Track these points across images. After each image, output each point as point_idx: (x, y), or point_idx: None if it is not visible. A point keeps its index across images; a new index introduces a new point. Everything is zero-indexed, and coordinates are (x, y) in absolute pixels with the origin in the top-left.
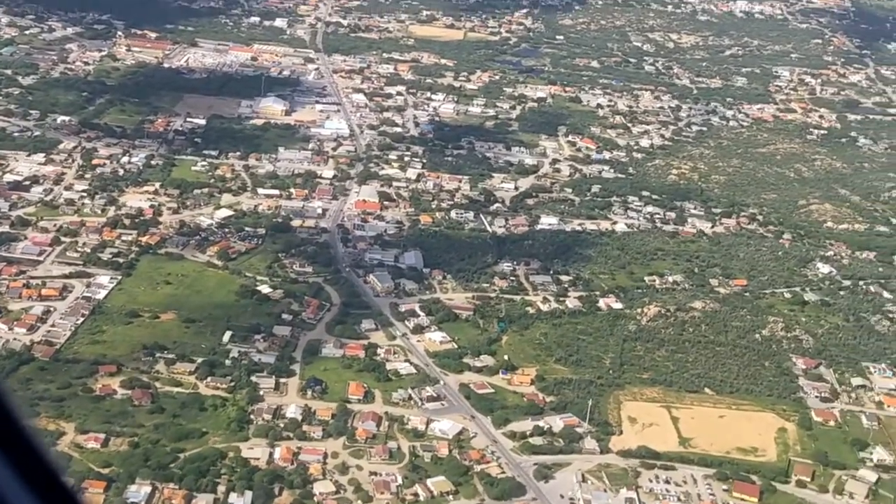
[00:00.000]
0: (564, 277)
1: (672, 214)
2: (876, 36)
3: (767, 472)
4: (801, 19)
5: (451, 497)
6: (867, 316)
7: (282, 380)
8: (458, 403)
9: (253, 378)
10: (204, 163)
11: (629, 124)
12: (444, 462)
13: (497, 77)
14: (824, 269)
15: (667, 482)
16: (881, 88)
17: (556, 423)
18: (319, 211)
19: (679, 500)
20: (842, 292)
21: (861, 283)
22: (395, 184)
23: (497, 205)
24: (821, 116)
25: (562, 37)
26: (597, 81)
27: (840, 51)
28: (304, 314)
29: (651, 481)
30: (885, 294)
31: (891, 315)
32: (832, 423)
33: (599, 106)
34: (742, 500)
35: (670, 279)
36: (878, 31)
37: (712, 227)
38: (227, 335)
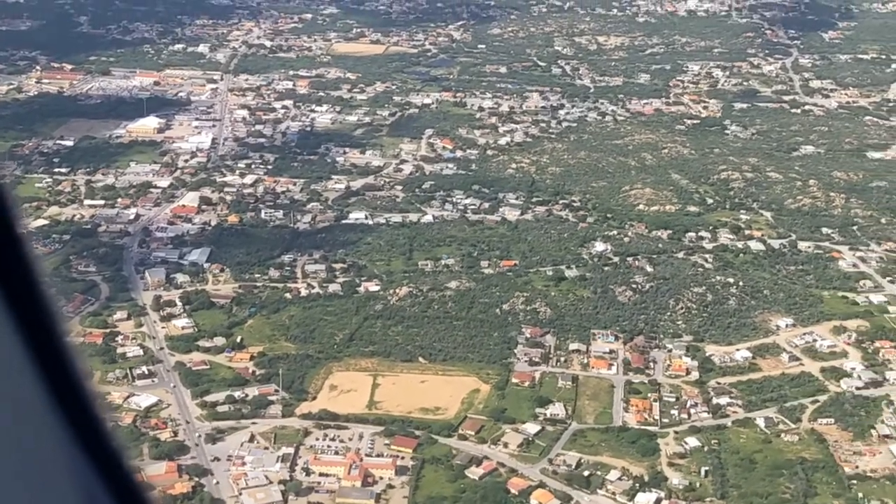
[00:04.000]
0: (340, 266)
1: (487, 205)
2: (817, 27)
3: (438, 428)
4: (746, 14)
5: None
6: (615, 287)
7: None
8: (170, 380)
9: None
10: (49, 179)
11: (498, 124)
12: (121, 430)
13: (393, 87)
14: (600, 247)
15: (332, 439)
16: (788, 77)
17: (253, 392)
18: (132, 216)
19: (336, 452)
20: (606, 268)
21: (630, 258)
22: (226, 189)
23: (313, 203)
24: (705, 107)
25: (483, 46)
26: (494, 86)
27: (769, 43)
28: (64, 308)
29: (318, 439)
30: (648, 268)
31: (634, 286)
32: (527, 383)
33: (481, 108)
34: (399, 451)
35: (443, 263)
36: (821, 21)
37: (521, 214)
38: None
